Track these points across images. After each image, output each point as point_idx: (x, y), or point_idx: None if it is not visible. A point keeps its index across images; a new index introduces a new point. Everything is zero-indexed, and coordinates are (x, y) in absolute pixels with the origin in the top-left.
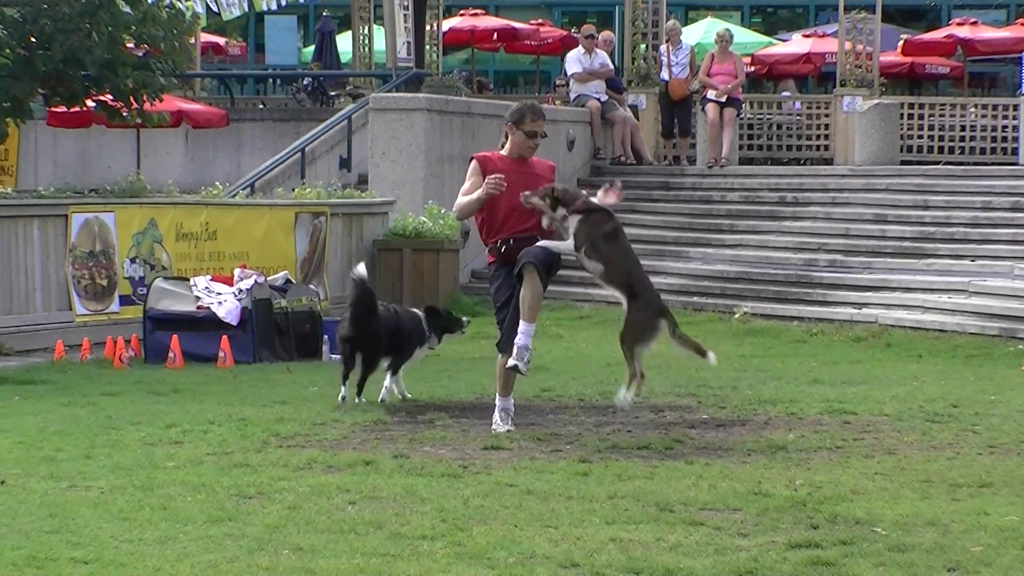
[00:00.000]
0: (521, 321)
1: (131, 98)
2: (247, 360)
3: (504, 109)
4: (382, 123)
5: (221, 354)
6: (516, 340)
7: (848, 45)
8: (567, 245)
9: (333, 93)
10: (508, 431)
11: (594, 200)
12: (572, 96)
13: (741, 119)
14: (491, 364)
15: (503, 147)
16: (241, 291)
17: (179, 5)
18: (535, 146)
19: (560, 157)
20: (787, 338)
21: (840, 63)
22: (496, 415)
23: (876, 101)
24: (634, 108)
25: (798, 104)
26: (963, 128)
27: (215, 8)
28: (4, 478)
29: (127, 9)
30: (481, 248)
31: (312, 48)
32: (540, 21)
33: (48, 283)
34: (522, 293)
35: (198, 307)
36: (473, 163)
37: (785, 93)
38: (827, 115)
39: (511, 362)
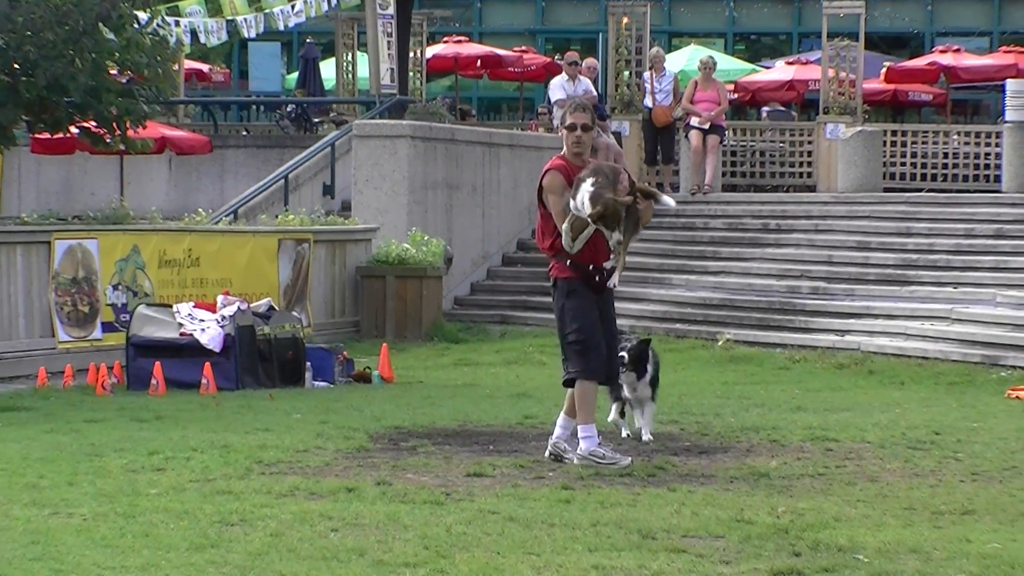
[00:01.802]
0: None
1: (115, 125)
2: (230, 387)
3: (487, 136)
4: (365, 150)
5: (204, 381)
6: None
7: (831, 72)
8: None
9: (317, 120)
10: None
11: None
12: (556, 123)
13: (724, 146)
14: (473, 391)
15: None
16: (224, 318)
17: (163, 32)
18: (579, 140)
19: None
20: (770, 365)
21: (823, 90)
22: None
23: (859, 128)
24: (617, 135)
25: (781, 109)
26: (946, 155)
27: (199, 35)
28: None
29: (111, 36)
30: (463, 276)
31: (296, 75)
32: (524, 48)
33: (31, 309)
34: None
35: (181, 334)
36: (553, 176)
37: (767, 109)
38: (810, 142)
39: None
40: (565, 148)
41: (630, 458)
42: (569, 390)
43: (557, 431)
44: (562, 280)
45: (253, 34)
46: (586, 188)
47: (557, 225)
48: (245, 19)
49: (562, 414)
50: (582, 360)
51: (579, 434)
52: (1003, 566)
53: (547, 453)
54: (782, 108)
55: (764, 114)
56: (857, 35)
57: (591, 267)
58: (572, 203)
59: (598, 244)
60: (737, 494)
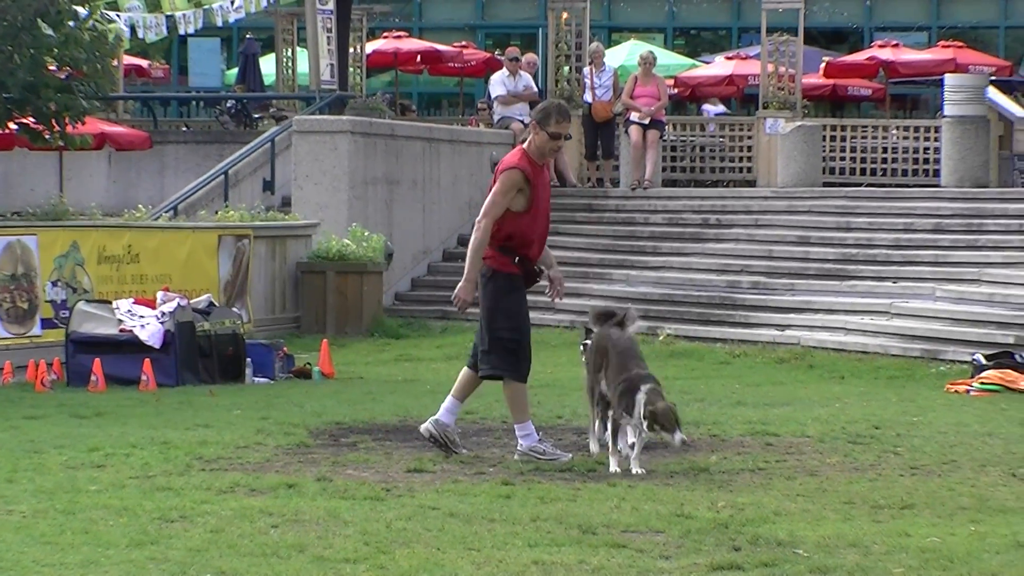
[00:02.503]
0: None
1: (53, 121)
2: (170, 383)
3: (427, 132)
4: (306, 145)
5: (144, 377)
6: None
7: (771, 67)
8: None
9: (257, 115)
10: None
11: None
12: (496, 118)
13: (664, 141)
14: (414, 386)
15: (524, 143)
16: (164, 314)
17: (101, 27)
18: (558, 148)
19: (483, 179)
20: (710, 360)
21: (763, 85)
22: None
23: (799, 123)
24: None
25: (721, 107)
26: (885, 150)
27: (138, 30)
28: None
29: (49, 32)
30: (403, 271)
31: (236, 70)
32: (464, 43)
33: None
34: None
35: (121, 330)
36: (515, 175)
37: (707, 107)
38: (750, 137)
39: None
40: (533, 147)
41: (570, 454)
42: (464, 374)
43: (444, 415)
44: (503, 274)
45: (192, 30)
46: (641, 398)
47: (484, 209)
48: (184, 15)
49: (451, 397)
50: (513, 360)
51: (517, 432)
52: (942, 560)
53: (428, 433)
54: (725, 109)
55: (708, 114)
56: (796, 30)
57: (535, 265)
58: (620, 408)
59: (538, 239)
60: (677, 489)
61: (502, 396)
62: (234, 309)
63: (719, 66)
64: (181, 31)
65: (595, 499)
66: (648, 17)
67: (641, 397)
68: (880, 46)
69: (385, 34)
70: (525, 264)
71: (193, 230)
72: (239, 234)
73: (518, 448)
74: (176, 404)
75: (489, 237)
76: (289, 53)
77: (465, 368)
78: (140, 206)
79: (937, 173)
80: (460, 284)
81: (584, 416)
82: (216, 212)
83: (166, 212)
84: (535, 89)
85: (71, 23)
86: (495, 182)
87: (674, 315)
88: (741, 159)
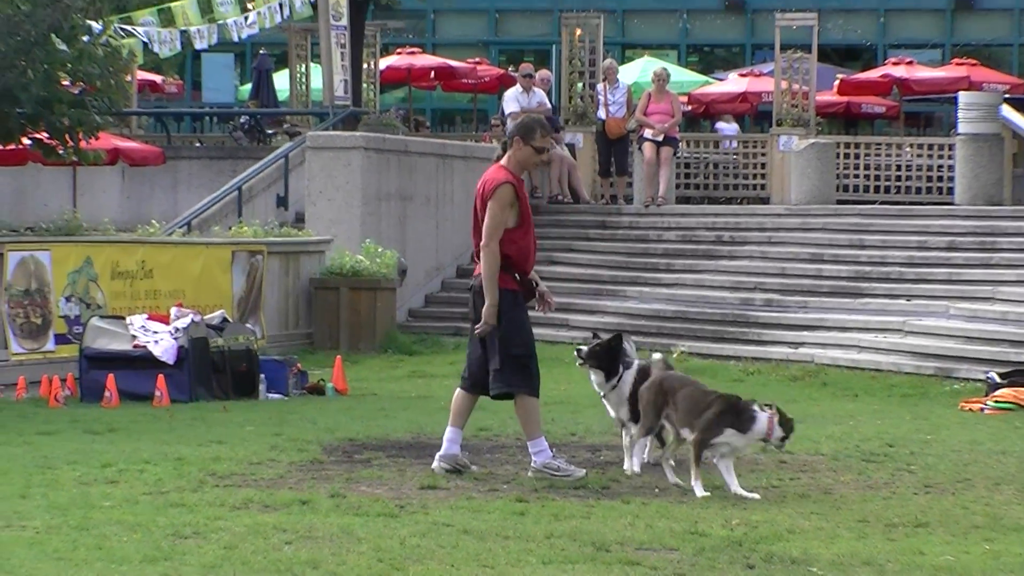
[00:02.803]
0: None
1: (67, 136)
2: (183, 399)
3: (441, 148)
4: (319, 161)
5: (157, 393)
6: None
7: (784, 84)
8: None
9: (270, 131)
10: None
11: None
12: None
13: (678, 158)
14: (427, 403)
15: (500, 159)
16: (177, 329)
17: (115, 43)
18: (542, 162)
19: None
20: (724, 377)
21: (776, 102)
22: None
23: (812, 140)
24: (571, 147)
25: (734, 144)
26: (899, 167)
27: (152, 45)
28: None
29: (63, 47)
30: (416, 287)
31: (249, 86)
32: (477, 60)
33: None
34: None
35: (134, 346)
36: (509, 190)
37: (721, 125)
38: (763, 154)
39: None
40: (514, 161)
41: (584, 470)
42: (461, 398)
43: (449, 446)
44: (507, 291)
45: (206, 45)
46: (765, 416)
47: (488, 232)
48: (199, 30)
49: (451, 427)
50: (527, 375)
51: (530, 449)
52: None
53: (442, 470)
54: (737, 128)
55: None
56: (810, 47)
57: (531, 280)
58: (719, 428)
59: (532, 252)
60: (691, 506)
61: (515, 413)
62: (247, 325)
63: (733, 83)
64: (196, 46)
65: (609, 516)
66: (662, 34)
67: (766, 415)
68: (894, 63)
69: (399, 50)
70: (523, 280)
71: (207, 246)
72: (252, 250)
73: (532, 465)
74: (189, 420)
75: (500, 259)
76: (303, 69)
77: (459, 391)
78: (153, 221)
79: (951, 191)
80: (485, 309)
81: (598, 432)
82: (230, 228)
83: (179, 227)
84: (548, 106)
85: (85, 38)
86: (482, 204)
87: (687, 332)
88: (755, 176)
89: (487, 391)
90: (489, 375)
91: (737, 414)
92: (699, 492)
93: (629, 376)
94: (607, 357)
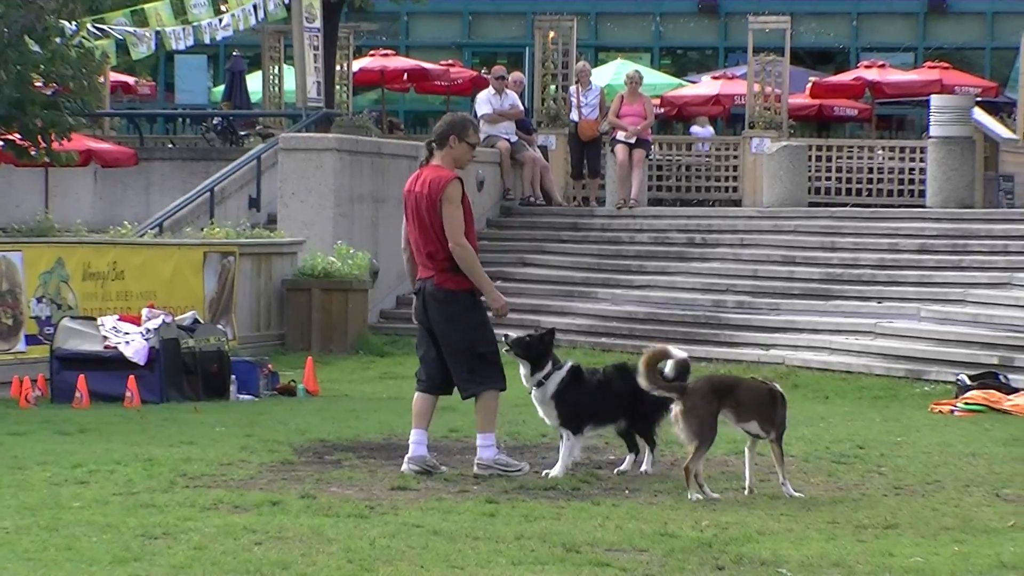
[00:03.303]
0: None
1: (39, 137)
2: (154, 400)
3: (414, 150)
4: (292, 163)
5: (128, 394)
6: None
7: (757, 87)
8: None
9: (243, 133)
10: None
11: None
12: (482, 136)
13: (650, 160)
14: (398, 404)
15: (429, 161)
16: (149, 331)
17: (88, 44)
18: (472, 158)
19: (470, 198)
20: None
21: (749, 105)
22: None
23: (784, 143)
24: (544, 149)
25: (707, 147)
26: (871, 170)
27: (126, 47)
28: None
29: (36, 48)
30: (388, 289)
31: (222, 87)
32: (450, 62)
33: None
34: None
35: (105, 347)
36: (459, 184)
37: (695, 129)
38: (736, 156)
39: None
40: (450, 159)
41: (527, 463)
42: (422, 400)
43: (417, 448)
44: (463, 292)
45: (181, 47)
46: None
47: (453, 230)
48: (174, 31)
49: (415, 430)
50: (495, 371)
51: (482, 442)
52: None
53: (412, 472)
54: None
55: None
56: (783, 50)
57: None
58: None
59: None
60: (661, 508)
61: (475, 405)
62: (219, 326)
63: (705, 86)
64: (172, 47)
65: (579, 517)
66: (635, 36)
67: None
68: (866, 66)
69: (372, 52)
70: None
71: (178, 247)
72: (224, 251)
73: (480, 459)
74: (160, 421)
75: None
76: (276, 70)
77: (418, 394)
78: (126, 223)
79: (923, 193)
80: (488, 294)
81: None
82: (202, 229)
83: (151, 229)
84: (521, 108)
85: (58, 40)
86: (429, 205)
87: (659, 334)
88: (727, 178)
89: (446, 391)
90: (454, 377)
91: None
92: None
93: (557, 377)
94: (534, 349)
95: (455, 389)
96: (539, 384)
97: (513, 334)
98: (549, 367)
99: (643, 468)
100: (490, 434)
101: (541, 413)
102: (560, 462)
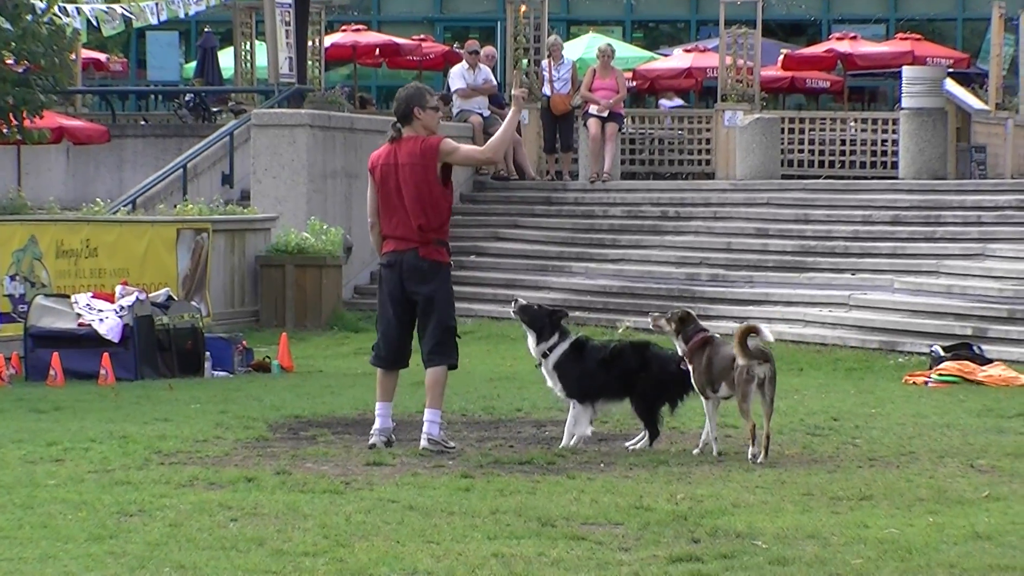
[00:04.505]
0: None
1: (11, 115)
2: (129, 377)
3: (387, 125)
4: (264, 139)
5: (103, 371)
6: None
7: (729, 60)
8: None
9: (215, 109)
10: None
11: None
12: (455, 111)
13: (623, 134)
14: (372, 380)
15: (401, 136)
16: (123, 308)
17: (59, 21)
18: (440, 122)
19: None
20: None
21: (721, 78)
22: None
23: (757, 116)
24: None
25: (678, 100)
26: (843, 142)
27: (96, 24)
28: None
29: (7, 25)
30: (362, 265)
31: (194, 64)
32: (422, 37)
33: None
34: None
35: (79, 324)
36: (450, 140)
37: (663, 102)
38: (708, 130)
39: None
40: (422, 127)
41: (454, 443)
42: (382, 376)
43: (382, 420)
44: (447, 266)
45: (155, 21)
46: None
47: (479, 158)
48: (147, 6)
49: (381, 403)
50: (455, 347)
51: (431, 417)
52: (900, 551)
53: (380, 443)
54: (682, 103)
55: (664, 107)
56: (754, 22)
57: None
58: None
59: None
60: (636, 481)
61: (427, 379)
62: (193, 303)
63: (678, 59)
64: (142, 23)
65: (554, 492)
66: (606, 10)
67: None
68: (838, 39)
69: (344, 27)
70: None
71: (152, 224)
72: (198, 228)
73: (428, 434)
74: (135, 398)
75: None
76: (247, 46)
77: (381, 371)
78: (98, 200)
79: (895, 165)
80: (512, 114)
81: (543, 408)
82: (175, 206)
83: (124, 206)
84: (494, 82)
85: (29, 17)
86: (424, 168)
87: (633, 307)
88: (700, 152)
89: (403, 365)
90: (422, 347)
91: None
92: None
93: (560, 349)
94: (540, 319)
95: (408, 361)
96: (544, 355)
97: (523, 299)
98: (555, 338)
99: (628, 444)
100: (439, 411)
101: (549, 383)
102: (567, 433)
